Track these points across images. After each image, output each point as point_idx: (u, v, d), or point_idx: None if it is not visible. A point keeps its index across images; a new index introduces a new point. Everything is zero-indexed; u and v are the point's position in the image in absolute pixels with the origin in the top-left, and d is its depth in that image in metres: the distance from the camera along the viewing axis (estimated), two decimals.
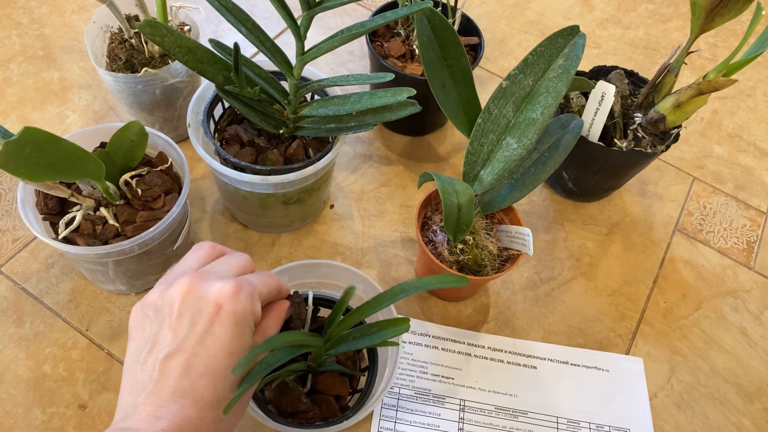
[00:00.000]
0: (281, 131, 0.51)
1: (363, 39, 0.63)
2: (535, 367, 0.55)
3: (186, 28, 0.60)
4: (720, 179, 0.71)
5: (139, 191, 0.48)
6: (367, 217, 0.62)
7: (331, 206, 0.62)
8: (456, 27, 0.63)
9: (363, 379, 0.45)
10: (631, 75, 0.61)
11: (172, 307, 0.33)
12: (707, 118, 0.77)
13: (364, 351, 0.47)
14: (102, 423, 0.47)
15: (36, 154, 0.36)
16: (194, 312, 0.32)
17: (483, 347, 0.55)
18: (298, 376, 0.44)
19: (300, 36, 0.42)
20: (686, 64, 0.54)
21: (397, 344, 0.39)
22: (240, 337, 0.32)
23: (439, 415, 0.51)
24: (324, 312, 0.48)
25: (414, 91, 0.44)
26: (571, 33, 0.48)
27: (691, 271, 0.63)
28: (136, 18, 0.59)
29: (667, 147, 0.57)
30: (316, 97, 0.55)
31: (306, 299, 0.44)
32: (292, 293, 0.41)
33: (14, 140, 0.34)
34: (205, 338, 0.31)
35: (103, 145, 0.50)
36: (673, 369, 0.56)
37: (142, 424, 0.29)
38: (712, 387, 0.55)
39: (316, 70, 0.55)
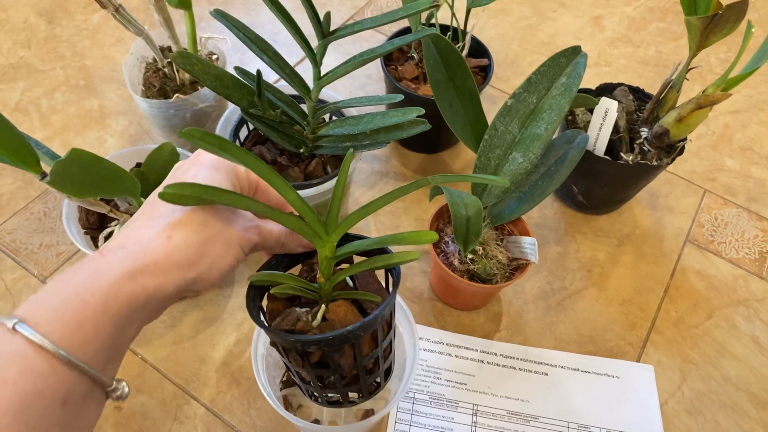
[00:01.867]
0: (301, 150, 0.55)
1: (379, 63, 0.67)
2: (546, 374, 0.56)
3: (214, 57, 0.64)
4: (732, 191, 0.72)
5: None
6: (383, 230, 0.65)
7: None
8: (466, 49, 0.67)
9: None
10: (636, 91, 0.64)
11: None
12: (719, 132, 0.78)
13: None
14: (136, 423, 0.51)
15: (81, 172, 0.41)
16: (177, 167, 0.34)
17: (495, 354, 0.57)
18: (308, 312, 0.36)
19: (316, 62, 0.46)
20: (688, 80, 0.56)
21: (417, 256, 0.34)
22: (212, 172, 0.32)
23: (453, 419, 0.53)
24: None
25: (422, 111, 0.47)
26: (573, 53, 0.51)
27: (702, 281, 0.64)
28: (169, 49, 0.64)
29: (673, 160, 0.59)
30: (334, 117, 0.59)
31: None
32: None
33: (63, 160, 0.38)
34: (180, 176, 0.32)
35: (138, 165, 0.54)
36: (684, 376, 0.57)
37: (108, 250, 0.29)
38: (723, 394, 0.56)
39: (333, 93, 0.58)
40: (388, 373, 0.41)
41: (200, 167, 0.32)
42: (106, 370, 0.27)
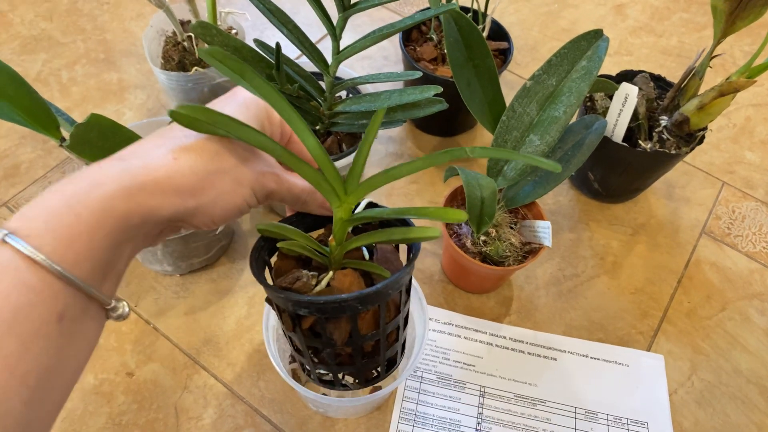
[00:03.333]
0: (317, 127, 0.55)
1: (398, 44, 0.67)
2: (555, 359, 0.56)
3: (233, 31, 0.64)
4: (750, 184, 0.71)
5: None
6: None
7: None
8: (486, 32, 0.66)
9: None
10: (657, 79, 0.63)
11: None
12: (740, 125, 0.77)
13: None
14: (147, 389, 0.51)
15: (100, 138, 0.41)
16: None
17: (504, 338, 0.57)
18: (318, 269, 0.35)
19: (336, 36, 0.46)
20: (711, 67, 0.55)
21: (437, 233, 0.32)
22: (242, 108, 0.30)
23: (460, 399, 0.53)
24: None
25: (440, 89, 0.47)
26: (595, 36, 0.51)
27: (717, 273, 0.63)
28: (189, 23, 0.64)
29: (692, 149, 0.58)
30: (350, 95, 0.59)
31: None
32: None
33: (83, 124, 0.38)
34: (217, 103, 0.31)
35: None
36: (694, 367, 0.56)
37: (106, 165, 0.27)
38: (734, 386, 0.55)
39: (351, 71, 0.58)
40: (391, 364, 0.38)
41: (231, 101, 0.31)
42: (103, 287, 0.26)
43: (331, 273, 0.33)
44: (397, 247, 0.37)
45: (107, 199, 0.25)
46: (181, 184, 0.27)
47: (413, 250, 0.34)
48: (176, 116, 0.26)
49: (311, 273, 0.34)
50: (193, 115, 0.26)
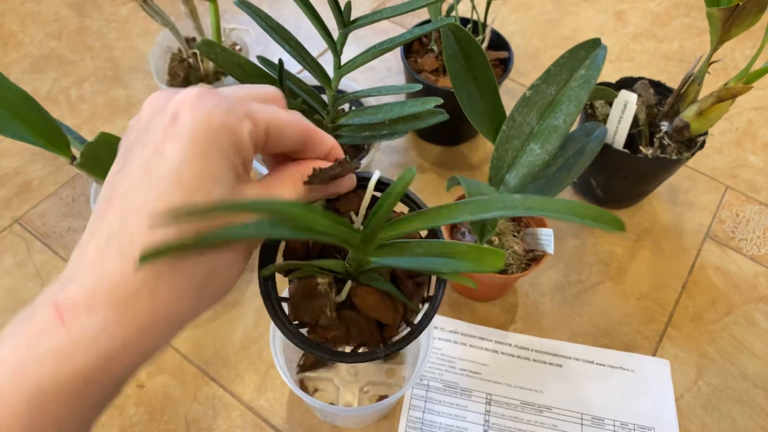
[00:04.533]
0: None
1: (399, 56, 0.68)
2: (560, 366, 0.56)
3: (237, 48, 0.66)
4: (754, 188, 0.71)
5: None
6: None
7: None
8: (486, 42, 0.67)
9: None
10: (657, 85, 0.63)
11: (138, 122, 0.25)
12: (742, 128, 0.77)
13: (433, 279, 0.32)
14: (157, 401, 0.52)
15: (109, 155, 0.42)
16: (150, 127, 0.23)
17: (510, 345, 0.57)
18: (334, 279, 0.30)
19: (337, 51, 0.47)
20: (710, 73, 0.56)
21: (473, 285, 0.27)
22: (200, 161, 0.22)
23: (466, 407, 0.53)
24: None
25: (441, 101, 0.48)
26: (593, 45, 0.51)
27: (721, 278, 0.63)
28: (194, 40, 0.66)
29: (693, 154, 0.58)
30: (353, 108, 0.60)
31: (365, 179, 0.30)
32: (345, 161, 0.28)
33: (92, 143, 0.39)
34: (152, 161, 0.22)
35: None
36: (700, 372, 0.56)
37: (54, 286, 0.22)
38: (741, 391, 0.55)
39: (353, 84, 0.59)
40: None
41: (176, 142, 0.22)
42: None
43: (350, 283, 0.30)
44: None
45: (81, 375, 0.20)
46: (173, 314, 0.22)
47: (442, 285, 0.30)
48: (147, 261, 0.19)
49: (325, 280, 0.29)
50: (156, 257, 0.19)
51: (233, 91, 0.25)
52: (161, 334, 0.22)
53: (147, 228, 0.21)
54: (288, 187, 0.26)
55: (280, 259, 0.31)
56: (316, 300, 0.29)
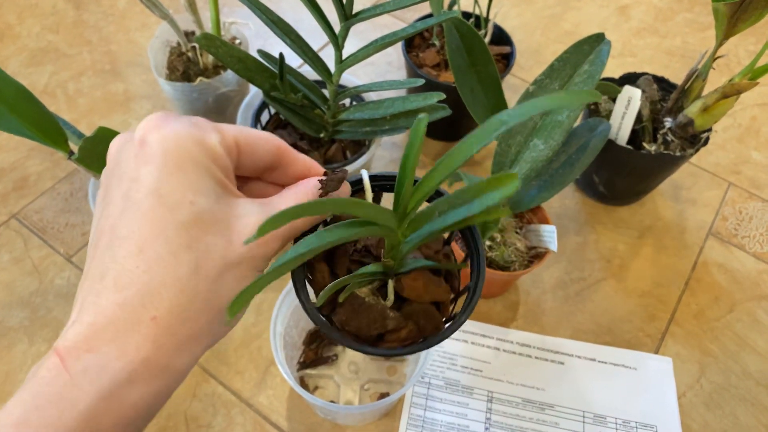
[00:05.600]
0: (321, 135, 0.55)
1: (401, 51, 0.67)
2: (562, 363, 0.56)
3: (237, 42, 0.65)
4: (757, 185, 0.71)
5: None
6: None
7: None
8: (489, 37, 0.66)
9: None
10: (660, 81, 0.63)
11: (107, 170, 0.24)
12: (745, 125, 0.77)
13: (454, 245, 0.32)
14: None
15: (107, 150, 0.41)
16: (121, 161, 0.23)
17: (511, 342, 0.57)
18: (375, 288, 0.30)
19: (338, 45, 0.46)
20: (714, 69, 0.55)
21: (508, 211, 0.27)
22: (177, 172, 0.22)
23: (468, 404, 0.53)
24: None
25: (443, 95, 0.47)
26: (597, 40, 0.51)
27: (724, 275, 0.63)
28: (193, 33, 0.65)
29: (697, 150, 0.58)
30: (354, 103, 0.59)
31: (357, 181, 0.29)
32: (335, 170, 0.28)
33: (91, 137, 0.39)
34: (130, 190, 0.22)
35: None
36: (703, 369, 0.56)
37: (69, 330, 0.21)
38: (743, 389, 0.55)
39: (354, 79, 0.59)
40: None
41: (149, 164, 0.22)
42: None
43: (391, 283, 0.29)
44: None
45: (87, 417, 0.19)
46: (180, 341, 0.21)
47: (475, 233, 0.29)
48: None
49: (368, 288, 0.29)
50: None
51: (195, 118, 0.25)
52: (174, 363, 0.21)
53: (137, 253, 0.20)
54: (296, 202, 0.25)
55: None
56: (370, 312, 0.28)
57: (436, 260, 0.30)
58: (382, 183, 0.30)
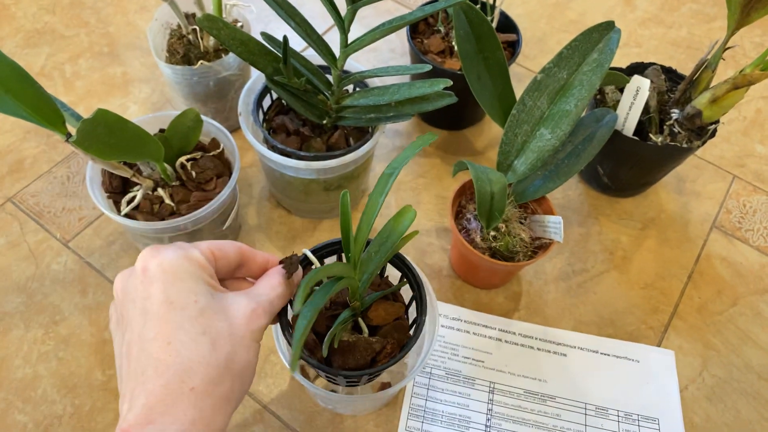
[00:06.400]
0: (324, 121, 0.54)
1: (405, 37, 0.66)
2: (564, 355, 0.56)
3: (239, 24, 0.64)
4: (761, 178, 0.70)
5: (194, 173, 0.52)
6: (403, 206, 0.65)
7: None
8: (494, 24, 0.65)
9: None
10: (668, 71, 0.62)
11: (117, 302, 0.32)
12: (750, 117, 0.76)
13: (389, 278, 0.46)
14: None
15: (106, 133, 0.40)
16: (129, 290, 0.30)
17: (514, 333, 0.57)
18: (349, 329, 0.41)
19: (344, 29, 0.45)
20: (724, 60, 0.54)
21: (416, 232, 0.39)
22: (178, 283, 0.29)
23: (469, 395, 0.53)
24: None
25: (450, 82, 0.46)
26: (606, 28, 0.50)
27: (727, 268, 0.62)
28: (194, 16, 0.64)
29: (704, 142, 0.57)
30: (357, 89, 0.58)
31: (304, 260, 0.38)
32: (286, 258, 0.36)
33: (89, 119, 0.38)
34: (145, 306, 0.29)
35: (162, 131, 0.54)
36: (705, 363, 0.56)
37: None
38: (745, 382, 0.55)
39: (358, 65, 0.58)
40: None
41: (155, 283, 0.29)
42: None
43: (361, 320, 0.40)
44: (394, 297, 0.44)
45: None
46: (215, 403, 0.28)
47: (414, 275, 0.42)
48: None
49: (348, 331, 0.40)
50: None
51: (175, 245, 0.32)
52: (215, 421, 0.28)
53: (166, 346, 0.27)
54: (270, 288, 0.33)
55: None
56: (358, 347, 0.38)
57: (382, 290, 0.41)
58: (321, 253, 0.40)
